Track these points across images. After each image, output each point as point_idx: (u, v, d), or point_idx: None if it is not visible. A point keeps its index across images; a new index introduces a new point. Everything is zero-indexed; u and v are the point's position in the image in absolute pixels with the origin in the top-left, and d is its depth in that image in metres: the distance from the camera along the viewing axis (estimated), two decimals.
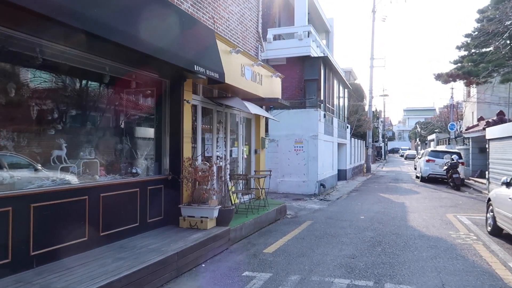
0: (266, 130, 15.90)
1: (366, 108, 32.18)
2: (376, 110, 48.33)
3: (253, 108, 8.49)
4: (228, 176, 8.79)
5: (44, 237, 4.63)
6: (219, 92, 9.03)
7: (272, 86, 10.67)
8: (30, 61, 4.83)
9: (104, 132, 6.30)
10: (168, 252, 5.23)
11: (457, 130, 30.11)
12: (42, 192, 4.67)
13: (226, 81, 7.33)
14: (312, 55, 16.21)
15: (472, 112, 30.21)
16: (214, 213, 6.76)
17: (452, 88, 29.15)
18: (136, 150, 6.74)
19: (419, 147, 61.65)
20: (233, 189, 9.09)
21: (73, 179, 5.26)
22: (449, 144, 31.76)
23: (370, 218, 9.96)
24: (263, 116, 11.31)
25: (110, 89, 6.38)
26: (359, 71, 79.95)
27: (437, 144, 40.36)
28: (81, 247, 5.13)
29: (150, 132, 7.10)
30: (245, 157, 10.74)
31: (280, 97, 10.72)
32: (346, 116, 24.40)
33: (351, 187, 18.51)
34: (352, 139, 26.01)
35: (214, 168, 7.69)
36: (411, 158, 56.06)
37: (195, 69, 5.96)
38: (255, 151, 11.12)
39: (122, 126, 6.77)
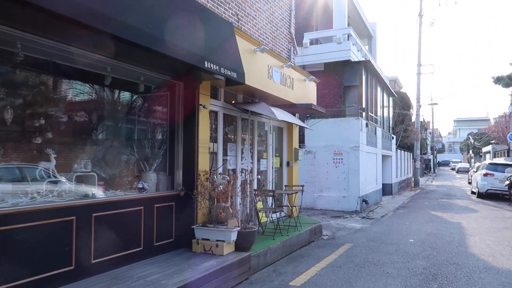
0: (302, 141, 14.79)
1: (413, 118, 30.10)
2: (424, 120, 45.60)
3: (281, 115, 7.47)
4: (254, 192, 7.77)
5: (13, 268, 3.82)
6: (244, 97, 8.10)
7: (305, 91, 9.60)
8: (11, 57, 4.12)
9: (105, 142, 5.52)
10: (167, 287, 4.27)
11: None
12: (15, 213, 3.88)
13: (247, 82, 6.38)
14: (353, 60, 14.97)
15: None
16: (232, 236, 5.74)
17: None
18: (144, 162, 5.91)
19: (473, 160, 57.54)
20: (261, 206, 8.05)
21: (58, 197, 4.46)
22: (508, 156, 28.91)
23: (421, 242, 8.53)
24: (296, 125, 10.24)
25: (112, 92, 5.62)
26: (405, 80, 76.53)
27: (494, 156, 37.13)
28: (65, 278, 4.29)
29: (161, 142, 6.26)
30: (276, 170, 9.68)
31: (315, 103, 9.62)
32: (391, 126, 22.71)
33: (398, 203, 16.85)
34: (398, 151, 24.18)
35: (236, 182, 6.69)
36: (463, 171, 52.30)
37: (206, 65, 5.05)
38: (287, 164, 10.04)
39: (128, 135, 5.98)
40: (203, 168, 6.31)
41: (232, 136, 7.90)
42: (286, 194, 8.51)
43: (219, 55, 5.48)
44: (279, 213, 8.62)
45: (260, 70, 7.30)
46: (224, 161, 7.50)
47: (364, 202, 14.21)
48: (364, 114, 15.05)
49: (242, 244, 5.96)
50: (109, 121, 5.59)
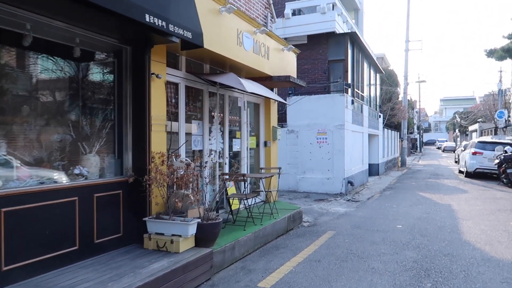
0: (284, 120, 13.86)
1: (401, 96, 29.36)
2: (411, 99, 45.00)
3: (252, 87, 6.47)
4: (223, 177, 6.85)
5: None
6: (211, 68, 7.06)
7: (283, 62, 8.59)
8: None
9: (31, 119, 4.47)
10: None
11: (506, 119, 26.83)
12: None
13: (209, 47, 5.37)
14: (337, 31, 13.94)
15: None
16: (189, 230, 4.82)
17: (501, 71, 25.88)
18: (83, 143, 4.89)
19: (459, 139, 57.58)
20: (234, 192, 7.15)
21: None
22: (495, 134, 28.52)
23: (410, 228, 7.75)
24: (275, 101, 9.28)
25: (38, 58, 4.54)
26: (393, 58, 75.37)
27: (481, 134, 36.88)
28: None
29: (105, 118, 5.23)
30: (252, 151, 8.75)
31: (294, 76, 8.62)
32: (378, 104, 21.90)
33: (385, 184, 16.16)
34: (385, 130, 23.46)
35: (203, 166, 5.73)
36: (449, 150, 52.30)
37: (148, 20, 4.01)
38: (265, 144, 9.10)
39: (63, 110, 4.93)
40: (158, 149, 5.33)
41: (198, 113, 6.90)
42: (262, 178, 7.57)
43: (168, 10, 4.43)
44: (254, 198, 7.72)
45: (227, 34, 6.27)
46: (188, 141, 6.52)
47: (349, 184, 13.44)
48: (350, 90, 14.13)
49: (203, 238, 5.05)
50: (35, 93, 4.52)
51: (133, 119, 5.20)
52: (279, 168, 7.70)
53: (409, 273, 5.08)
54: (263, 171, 8.15)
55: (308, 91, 14.07)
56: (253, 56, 7.18)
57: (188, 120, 6.55)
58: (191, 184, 5.49)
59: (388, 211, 9.86)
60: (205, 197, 6.67)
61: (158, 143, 5.38)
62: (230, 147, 7.84)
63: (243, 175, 6.23)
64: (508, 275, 4.97)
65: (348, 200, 11.87)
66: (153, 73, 5.24)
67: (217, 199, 6.61)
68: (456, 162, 30.41)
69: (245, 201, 7.13)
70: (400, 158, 26.66)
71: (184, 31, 4.60)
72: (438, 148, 66.70)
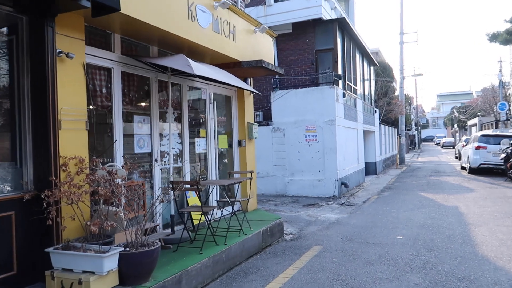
0: (269, 117, 12.54)
1: (397, 91, 28.05)
2: (407, 94, 43.72)
3: (206, 70, 5.10)
4: (170, 185, 5.49)
5: None
6: (161, 51, 5.71)
7: (256, 46, 7.24)
8: None
9: None
10: None
11: (506, 111, 25.53)
12: None
13: (140, 17, 4.07)
14: (325, 18, 12.60)
15: None
16: (105, 264, 3.44)
17: (501, 61, 24.60)
18: None
19: (457, 134, 56.36)
20: (195, 203, 5.80)
21: None
22: (497, 127, 27.24)
23: (412, 239, 6.40)
24: (251, 93, 7.93)
25: None
26: (387, 52, 72.79)
27: (480, 129, 35.58)
28: None
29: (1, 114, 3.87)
30: (220, 152, 7.39)
31: (271, 62, 7.25)
32: (373, 99, 20.58)
33: (383, 184, 14.82)
34: (382, 126, 22.15)
35: (126, 173, 4.36)
36: (448, 146, 51.07)
37: None
38: (239, 143, 7.75)
39: None
40: (73, 153, 3.97)
41: (143, 107, 5.55)
42: (225, 185, 6.12)
43: None
44: (221, 210, 6.34)
45: (172, 5, 4.91)
46: (129, 142, 5.16)
47: (343, 186, 12.09)
48: (341, 83, 12.80)
49: (131, 273, 3.69)
50: None
51: (33, 115, 3.84)
52: (251, 172, 6.33)
53: None
54: (229, 176, 6.75)
55: (295, 85, 12.76)
56: (213, 36, 5.83)
57: (128, 115, 5.19)
58: (123, 198, 4.14)
59: (387, 217, 8.50)
60: (157, 215, 5.33)
61: (73, 145, 4.02)
62: (192, 148, 6.48)
63: (196, 182, 4.86)
64: None
65: (342, 204, 10.52)
66: (60, 52, 3.88)
67: (160, 213, 5.26)
68: (457, 157, 29.13)
69: (209, 214, 5.76)
70: (398, 156, 25.33)
71: None
72: (437, 144, 65.52)
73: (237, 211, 7.59)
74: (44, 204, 3.51)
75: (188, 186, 5.13)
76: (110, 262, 3.48)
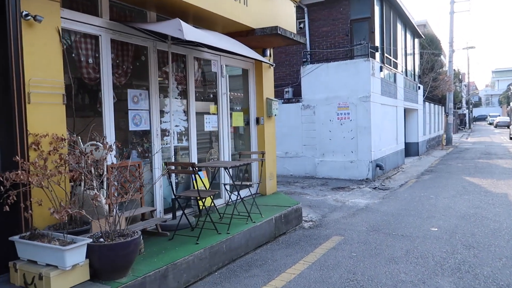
0: (299, 94, 11.74)
1: (446, 66, 25.95)
2: (457, 70, 40.71)
3: (200, 35, 4.43)
4: (170, 167, 5.00)
5: None
6: (160, 17, 5.12)
7: (273, 11, 6.47)
8: None
9: None
10: None
11: None
12: None
13: None
14: None
15: None
16: (67, 258, 2.98)
17: None
18: None
19: None
20: (202, 186, 5.30)
21: None
22: None
23: (449, 233, 5.56)
24: (270, 66, 7.21)
25: None
26: (436, 25, 67.13)
27: None
28: None
29: None
30: (235, 131, 6.79)
31: (291, 31, 6.44)
32: (417, 74, 19.04)
33: (424, 167, 13.67)
34: (427, 103, 20.58)
35: (107, 151, 3.87)
36: (503, 126, 47.36)
37: None
38: (257, 121, 7.10)
39: None
40: (46, 130, 3.52)
41: (141, 79, 5.02)
42: (228, 168, 5.39)
43: None
44: (237, 192, 5.75)
45: None
46: (122, 118, 4.68)
47: (378, 168, 11.18)
48: (378, 55, 11.69)
49: (104, 267, 3.23)
50: None
51: None
52: (263, 153, 5.68)
53: None
54: (239, 156, 6.12)
55: (327, 58, 11.82)
56: None
57: (122, 89, 4.69)
58: (104, 180, 3.69)
59: (423, 204, 7.61)
60: (156, 198, 4.87)
61: (46, 121, 3.57)
62: (201, 126, 5.93)
63: (192, 164, 4.29)
64: None
65: (375, 188, 9.69)
66: (27, 14, 3.39)
67: (161, 196, 4.77)
68: (511, 138, 26.84)
69: (237, 194, 5.20)
70: (445, 136, 23.58)
71: None
72: (490, 123, 61.27)
73: (255, 194, 7.04)
74: (1, 188, 3.09)
75: (188, 168, 4.59)
76: (75, 255, 3.02)
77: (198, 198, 4.33)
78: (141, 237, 3.98)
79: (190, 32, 4.04)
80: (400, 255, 4.70)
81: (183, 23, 4.13)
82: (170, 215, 5.09)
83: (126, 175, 4.49)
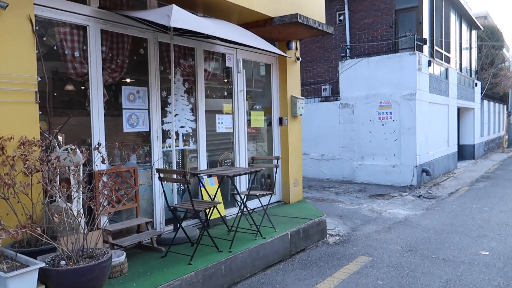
0: (337, 92, 10.89)
1: (509, 61, 23.57)
2: None
3: (192, 23, 3.80)
4: (160, 174, 4.44)
5: None
6: (161, 4, 4.59)
7: None
8: None
9: None
10: None
11: None
12: None
13: None
14: None
15: None
16: (11, 287, 2.51)
17: None
18: None
19: None
20: (212, 194, 4.75)
21: None
22: None
23: (503, 260, 4.57)
24: (296, 59, 6.51)
25: None
26: (499, 16, 61.11)
27: None
28: None
29: None
30: (254, 132, 6.15)
31: (320, 21, 5.69)
32: (474, 69, 17.32)
33: (479, 172, 12.25)
34: (485, 102, 18.71)
35: (84, 155, 3.39)
36: None
37: None
38: (280, 121, 6.42)
39: None
40: (11, 132, 3.11)
41: (139, 75, 4.53)
42: (229, 176, 4.63)
43: None
44: (259, 198, 5.10)
45: None
46: (114, 118, 4.21)
47: (424, 173, 10.06)
48: (426, 48, 10.54)
49: None
50: None
51: None
52: (277, 158, 4.96)
53: None
54: (252, 161, 5.46)
55: (368, 53, 10.85)
56: None
57: (115, 86, 4.22)
58: (79, 190, 3.22)
59: (474, 218, 6.55)
60: (156, 208, 4.38)
61: (13, 122, 3.15)
62: (212, 127, 5.36)
63: (183, 172, 3.71)
64: None
65: (419, 197, 8.65)
66: None
67: (160, 206, 4.25)
68: None
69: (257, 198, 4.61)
70: (506, 137, 21.42)
71: None
72: None
73: (277, 202, 6.39)
74: None
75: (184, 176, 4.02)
76: (22, 283, 2.55)
77: (193, 211, 3.74)
78: (124, 256, 3.49)
79: (180, 19, 3.46)
80: (437, 286, 3.84)
81: (178, 10, 3.57)
82: (172, 226, 4.58)
83: (119, 182, 4.03)
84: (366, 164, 10.40)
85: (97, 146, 3.44)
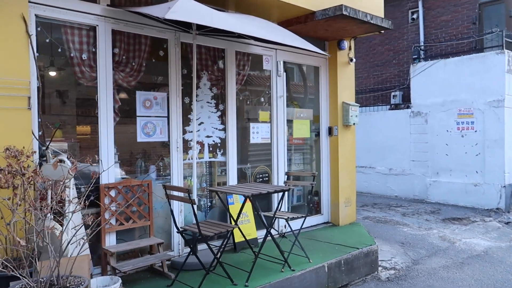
0: (407, 98, 9.74)
1: None
2: None
3: (196, 16, 3.21)
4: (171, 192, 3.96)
5: None
6: None
7: None
8: None
9: None
10: None
11: None
12: None
13: None
14: None
15: None
16: None
17: None
18: None
19: None
20: (249, 216, 4.17)
21: None
22: None
23: None
24: (350, 61, 5.71)
25: None
26: None
27: None
28: None
29: None
30: (302, 142, 5.45)
31: (377, 15, 4.85)
32: None
33: None
34: None
35: (75, 166, 3.00)
36: None
37: None
38: (329, 131, 5.64)
39: None
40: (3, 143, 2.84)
41: (158, 79, 4.12)
42: (245, 195, 3.88)
43: None
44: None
45: None
46: (128, 127, 3.83)
47: None
48: None
49: None
50: None
51: None
52: (313, 175, 4.19)
53: None
54: (286, 177, 4.71)
55: (445, 53, 9.53)
56: None
57: (128, 91, 3.85)
58: (68, 205, 2.86)
59: None
60: (173, 229, 3.95)
61: (2, 131, 2.88)
62: (244, 137, 4.79)
63: (187, 190, 3.16)
64: None
65: (507, 223, 7.20)
66: None
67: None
68: None
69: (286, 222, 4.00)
70: None
71: None
72: None
73: (324, 223, 5.61)
74: None
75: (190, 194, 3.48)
76: None
77: (199, 236, 3.18)
78: (120, 283, 3.02)
79: (182, 11, 2.93)
80: None
81: (186, 1, 3.08)
82: (186, 249, 4.07)
83: (129, 197, 3.63)
84: (442, 181, 9.04)
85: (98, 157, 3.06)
